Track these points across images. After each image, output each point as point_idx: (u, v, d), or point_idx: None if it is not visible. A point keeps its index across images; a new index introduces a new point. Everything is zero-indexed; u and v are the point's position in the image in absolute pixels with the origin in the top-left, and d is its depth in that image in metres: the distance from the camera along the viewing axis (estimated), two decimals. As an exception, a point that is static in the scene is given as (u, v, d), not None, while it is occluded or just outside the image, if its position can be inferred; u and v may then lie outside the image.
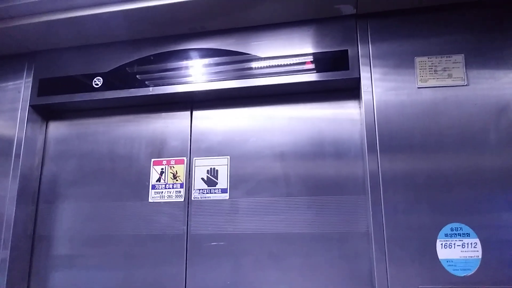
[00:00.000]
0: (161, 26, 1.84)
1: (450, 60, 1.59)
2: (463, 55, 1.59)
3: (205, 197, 1.82)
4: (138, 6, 1.70)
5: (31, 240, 1.97)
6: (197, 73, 1.84)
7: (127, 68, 1.93)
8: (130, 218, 1.88)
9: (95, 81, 1.94)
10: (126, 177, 1.93)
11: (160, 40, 1.92)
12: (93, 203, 1.94)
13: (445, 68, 1.58)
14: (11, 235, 1.85)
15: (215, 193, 1.81)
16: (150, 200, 1.88)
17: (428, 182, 1.50)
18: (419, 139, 1.55)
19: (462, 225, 1.45)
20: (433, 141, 1.53)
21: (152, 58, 1.91)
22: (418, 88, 1.59)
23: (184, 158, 1.89)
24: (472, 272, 1.41)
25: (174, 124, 1.95)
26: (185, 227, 1.81)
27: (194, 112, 1.95)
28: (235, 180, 1.81)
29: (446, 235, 1.45)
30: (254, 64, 1.80)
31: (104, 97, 1.92)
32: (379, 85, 1.63)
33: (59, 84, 1.99)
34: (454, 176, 1.49)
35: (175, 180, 1.87)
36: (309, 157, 1.77)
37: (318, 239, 1.68)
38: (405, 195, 1.51)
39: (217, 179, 1.83)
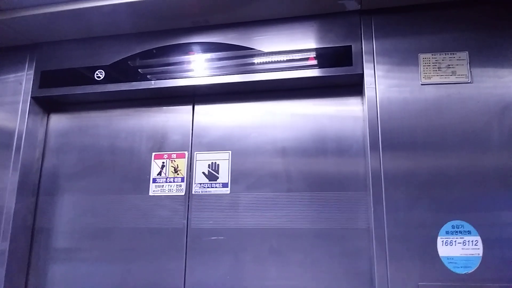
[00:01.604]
0: (164, 19, 1.83)
1: (454, 57, 1.58)
2: (467, 52, 1.58)
3: (206, 191, 1.82)
4: (141, -1, 1.69)
5: (31, 233, 1.96)
6: (199, 67, 1.83)
7: (129, 61, 1.93)
8: (130, 211, 1.87)
9: (97, 74, 1.94)
10: (127, 171, 1.93)
11: (163, 33, 1.91)
12: (94, 196, 1.94)
13: (449, 65, 1.58)
14: (10, 227, 1.85)
15: (216, 187, 1.81)
16: (150, 194, 1.87)
17: (430, 179, 1.50)
18: (422, 136, 1.54)
19: (464, 223, 1.44)
20: (436, 139, 1.53)
21: (154, 51, 1.91)
22: (422, 85, 1.59)
23: (186, 152, 1.89)
24: (473, 270, 1.41)
25: (176, 118, 1.95)
26: (185, 221, 1.80)
27: (196, 107, 1.94)
28: (236, 175, 1.81)
29: (447, 232, 1.45)
30: (257, 59, 1.79)
31: (106, 90, 1.91)
32: (382, 81, 1.63)
33: (61, 76, 1.99)
34: (456, 174, 1.48)
35: (176, 174, 1.86)
36: (311, 153, 1.76)
37: (318, 235, 1.68)
38: (407, 192, 1.51)
39: (218, 174, 1.83)
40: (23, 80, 2.03)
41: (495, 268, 1.40)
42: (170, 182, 1.86)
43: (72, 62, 2.00)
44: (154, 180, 1.88)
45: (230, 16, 1.80)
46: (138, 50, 1.92)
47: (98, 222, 1.90)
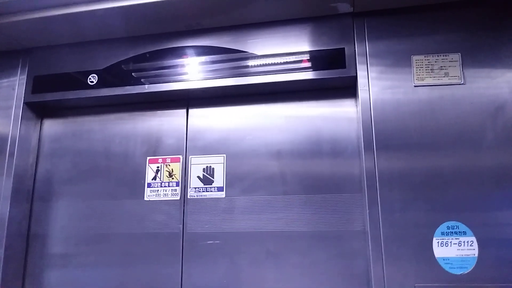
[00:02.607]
0: (157, 23, 1.83)
1: (446, 59, 1.59)
2: (459, 53, 1.59)
3: (201, 196, 1.81)
4: (134, 3, 1.68)
5: (26, 239, 1.95)
6: (193, 71, 1.83)
7: (122, 66, 1.92)
8: (125, 216, 1.87)
9: (90, 79, 1.93)
10: (122, 176, 1.92)
11: (156, 37, 1.91)
12: (88, 202, 1.93)
13: (441, 66, 1.59)
14: (5, 234, 1.84)
15: (211, 191, 1.81)
16: (145, 199, 1.87)
17: (425, 180, 1.50)
18: (416, 137, 1.55)
19: (459, 224, 1.45)
20: (430, 140, 1.54)
21: (148, 55, 1.90)
22: (415, 86, 1.59)
23: (180, 156, 1.89)
24: (469, 270, 1.41)
25: (170, 122, 1.94)
26: (181, 226, 1.80)
27: (190, 110, 1.94)
28: (232, 179, 1.81)
29: (442, 233, 1.45)
30: (250, 62, 1.79)
31: (99, 95, 1.91)
32: (375, 83, 1.63)
33: (54, 81, 1.97)
34: (450, 175, 1.49)
35: (171, 178, 1.86)
36: (306, 156, 1.76)
37: (314, 238, 1.68)
38: (402, 194, 1.51)
39: (213, 178, 1.82)
40: (16, 86, 2.02)
41: (491, 268, 1.40)
42: (165, 186, 1.85)
43: (65, 66, 1.98)
44: (149, 185, 1.88)
45: (223, 19, 1.80)
46: (131, 54, 1.92)
47: (93, 228, 1.89)
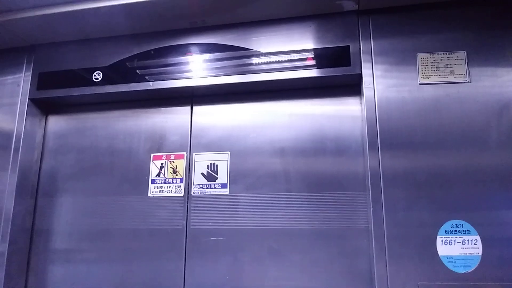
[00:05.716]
0: (162, 20, 1.83)
1: (452, 57, 1.58)
2: (465, 52, 1.58)
3: (205, 192, 1.82)
4: (138, 0, 1.68)
5: (30, 234, 1.96)
6: (197, 68, 1.83)
7: (127, 63, 1.92)
8: (129, 212, 1.87)
9: (95, 75, 1.93)
10: (126, 172, 1.93)
11: (160, 34, 1.91)
12: (92, 198, 1.93)
13: (447, 64, 1.58)
14: (9, 229, 1.85)
15: (215, 188, 1.81)
16: (149, 195, 1.87)
17: (429, 179, 1.50)
18: (420, 136, 1.54)
19: (463, 222, 1.44)
20: (434, 138, 1.53)
21: (152, 52, 1.90)
22: (420, 84, 1.59)
23: (184, 153, 1.89)
24: (472, 269, 1.41)
25: (174, 119, 1.94)
26: (185, 222, 1.80)
27: (194, 107, 1.94)
28: (235, 176, 1.81)
29: (446, 231, 1.45)
30: (255, 60, 1.79)
31: (104, 92, 1.91)
32: (380, 81, 1.63)
33: (59, 78, 1.98)
34: (455, 173, 1.48)
35: (175, 175, 1.86)
36: (310, 153, 1.76)
37: (318, 235, 1.68)
38: (406, 192, 1.51)
39: (217, 174, 1.83)
40: (21, 82, 2.03)
41: (495, 267, 1.40)
42: (169, 183, 1.86)
43: (70, 63, 1.99)
44: (153, 181, 1.88)
45: (227, 17, 1.80)
46: (135, 51, 1.92)
47: (97, 223, 1.90)
